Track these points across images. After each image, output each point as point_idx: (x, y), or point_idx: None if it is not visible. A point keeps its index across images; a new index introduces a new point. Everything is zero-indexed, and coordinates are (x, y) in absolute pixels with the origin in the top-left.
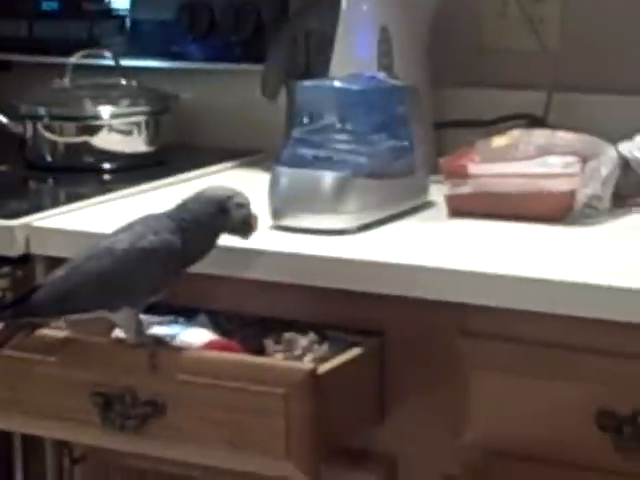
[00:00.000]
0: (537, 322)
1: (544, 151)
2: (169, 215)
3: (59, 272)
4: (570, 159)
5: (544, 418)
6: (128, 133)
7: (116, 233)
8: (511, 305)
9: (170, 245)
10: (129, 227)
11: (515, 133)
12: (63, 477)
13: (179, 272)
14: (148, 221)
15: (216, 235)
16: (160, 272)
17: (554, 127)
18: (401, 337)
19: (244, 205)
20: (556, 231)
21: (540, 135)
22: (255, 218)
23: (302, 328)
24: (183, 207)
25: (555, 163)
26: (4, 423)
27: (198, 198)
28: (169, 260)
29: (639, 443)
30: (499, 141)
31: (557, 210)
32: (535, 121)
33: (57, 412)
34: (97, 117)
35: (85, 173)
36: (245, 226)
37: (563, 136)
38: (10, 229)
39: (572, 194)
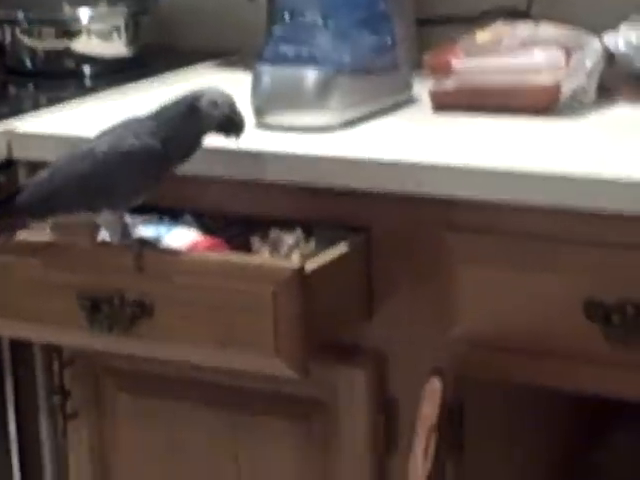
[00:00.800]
0: (523, 215)
1: (528, 45)
2: (150, 118)
3: (42, 174)
4: (554, 52)
5: (532, 310)
6: (108, 36)
7: (99, 136)
8: (497, 198)
9: (150, 148)
10: (111, 130)
11: (498, 27)
12: (53, 380)
13: (161, 175)
14: (130, 124)
15: (197, 137)
16: (140, 175)
17: (537, 20)
18: (388, 233)
19: (217, 103)
20: (541, 124)
21: (524, 29)
22: (239, 115)
23: (288, 226)
24: (161, 110)
25: (539, 56)
26: None
27: (173, 100)
28: (149, 163)
29: (627, 332)
30: (483, 36)
31: (542, 103)
32: (518, 14)
33: (44, 316)
34: (76, 20)
35: (66, 77)
36: (228, 124)
37: (547, 29)
38: None
39: (557, 87)
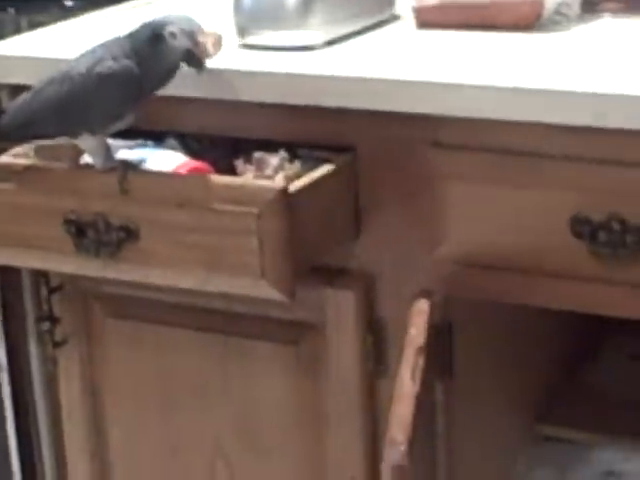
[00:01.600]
0: (509, 131)
1: None
2: (124, 41)
3: (22, 97)
4: None
5: (518, 227)
6: None
7: (77, 59)
8: (482, 115)
9: (128, 70)
10: (89, 52)
11: None
12: (41, 307)
13: (139, 98)
14: (107, 46)
15: (168, 64)
16: (118, 97)
17: None
18: (373, 152)
19: (177, 34)
20: (525, 39)
21: None
22: (200, 48)
23: (272, 147)
24: (132, 34)
25: None
26: None
27: (140, 24)
28: (127, 85)
29: (614, 248)
30: None
31: (526, 18)
32: None
33: (30, 241)
34: None
35: (46, 1)
36: (189, 56)
37: None
38: None
39: (540, 1)
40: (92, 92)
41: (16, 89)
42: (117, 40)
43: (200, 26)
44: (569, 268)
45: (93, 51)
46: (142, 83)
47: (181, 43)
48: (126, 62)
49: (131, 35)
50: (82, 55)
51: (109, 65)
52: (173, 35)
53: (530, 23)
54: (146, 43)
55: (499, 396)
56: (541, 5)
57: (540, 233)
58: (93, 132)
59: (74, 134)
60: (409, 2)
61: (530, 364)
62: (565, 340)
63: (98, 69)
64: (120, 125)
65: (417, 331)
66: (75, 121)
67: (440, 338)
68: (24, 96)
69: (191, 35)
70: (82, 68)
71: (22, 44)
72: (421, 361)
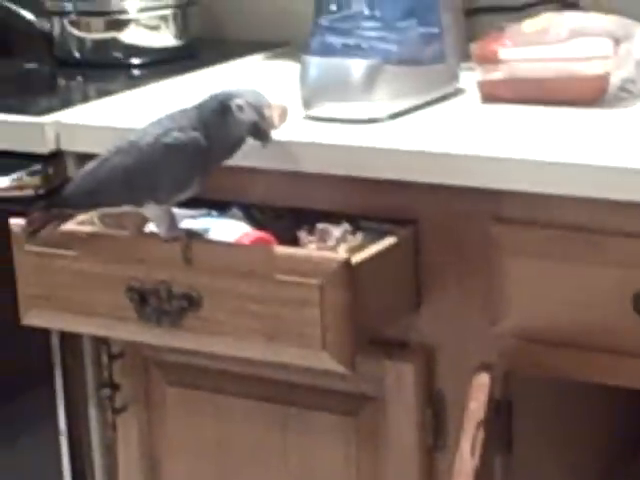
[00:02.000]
0: (571, 207)
1: (576, 34)
2: (192, 112)
3: (89, 166)
4: (603, 42)
5: (580, 303)
6: (156, 27)
7: (144, 129)
8: (544, 190)
9: (195, 142)
10: (156, 123)
11: (547, 16)
12: (102, 373)
13: (205, 169)
14: (175, 117)
15: (235, 137)
16: (185, 168)
17: (586, 9)
18: (435, 225)
19: (245, 108)
20: (589, 115)
21: (572, 18)
22: (267, 122)
23: (335, 218)
24: (200, 105)
25: (588, 46)
26: (41, 320)
27: (208, 97)
28: (194, 157)
29: None
30: (530, 25)
31: (590, 94)
32: (566, 4)
33: (92, 308)
34: (124, 12)
35: (114, 68)
36: (255, 130)
37: (595, 18)
38: (40, 126)
39: (605, 77)
40: (159, 163)
41: (82, 157)
42: (184, 111)
43: (267, 100)
44: (632, 345)
45: (160, 121)
46: (209, 154)
47: (248, 116)
48: (193, 134)
49: (199, 106)
50: (150, 125)
51: (176, 136)
52: (240, 108)
53: (595, 99)
54: (213, 115)
55: (557, 472)
56: (606, 81)
57: (603, 310)
58: (159, 201)
59: (139, 203)
60: (474, 76)
61: (590, 442)
62: (627, 420)
63: (166, 140)
64: (186, 195)
65: (477, 405)
66: (141, 191)
67: (500, 412)
68: (91, 164)
69: (258, 108)
70: (150, 138)
71: (89, 112)
72: (481, 435)
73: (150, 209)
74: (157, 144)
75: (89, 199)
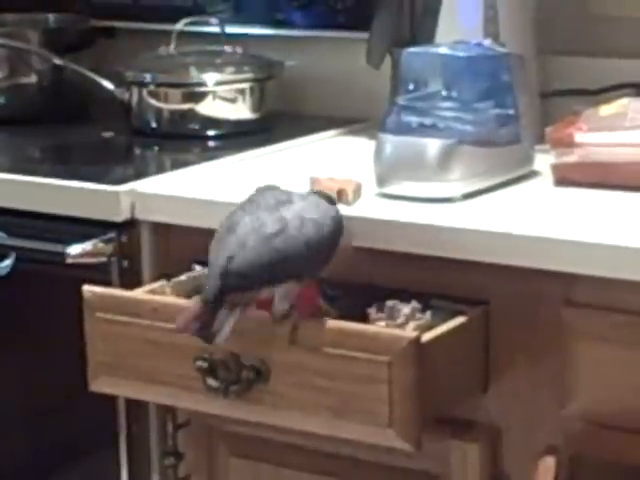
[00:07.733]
0: None
1: None
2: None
3: (244, 245)
4: None
5: None
6: (233, 100)
7: (276, 206)
8: (617, 275)
9: (341, 224)
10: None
11: (624, 102)
12: (167, 442)
13: None
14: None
15: None
16: (335, 248)
17: None
18: (506, 306)
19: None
20: None
21: None
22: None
23: (405, 296)
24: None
25: None
26: (109, 387)
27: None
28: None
29: None
30: (607, 110)
31: None
32: None
33: (160, 377)
34: (202, 84)
35: (190, 139)
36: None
37: None
38: (116, 194)
39: None
40: (323, 246)
41: (157, 226)
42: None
43: None
44: None
45: (304, 197)
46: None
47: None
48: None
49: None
50: (286, 209)
51: (332, 215)
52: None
53: None
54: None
55: None
56: None
57: None
58: (310, 277)
59: (299, 278)
60: (548, 159)
61: None
62: None
63: (328, 219)
64: None
65: None
66: (318, 264)
67: None
68: (235, 246)
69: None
70: (310, 213)
71: (164, 182)
72: None
73: (288, 285)
74: (322, 229)
75: (264, 275)
